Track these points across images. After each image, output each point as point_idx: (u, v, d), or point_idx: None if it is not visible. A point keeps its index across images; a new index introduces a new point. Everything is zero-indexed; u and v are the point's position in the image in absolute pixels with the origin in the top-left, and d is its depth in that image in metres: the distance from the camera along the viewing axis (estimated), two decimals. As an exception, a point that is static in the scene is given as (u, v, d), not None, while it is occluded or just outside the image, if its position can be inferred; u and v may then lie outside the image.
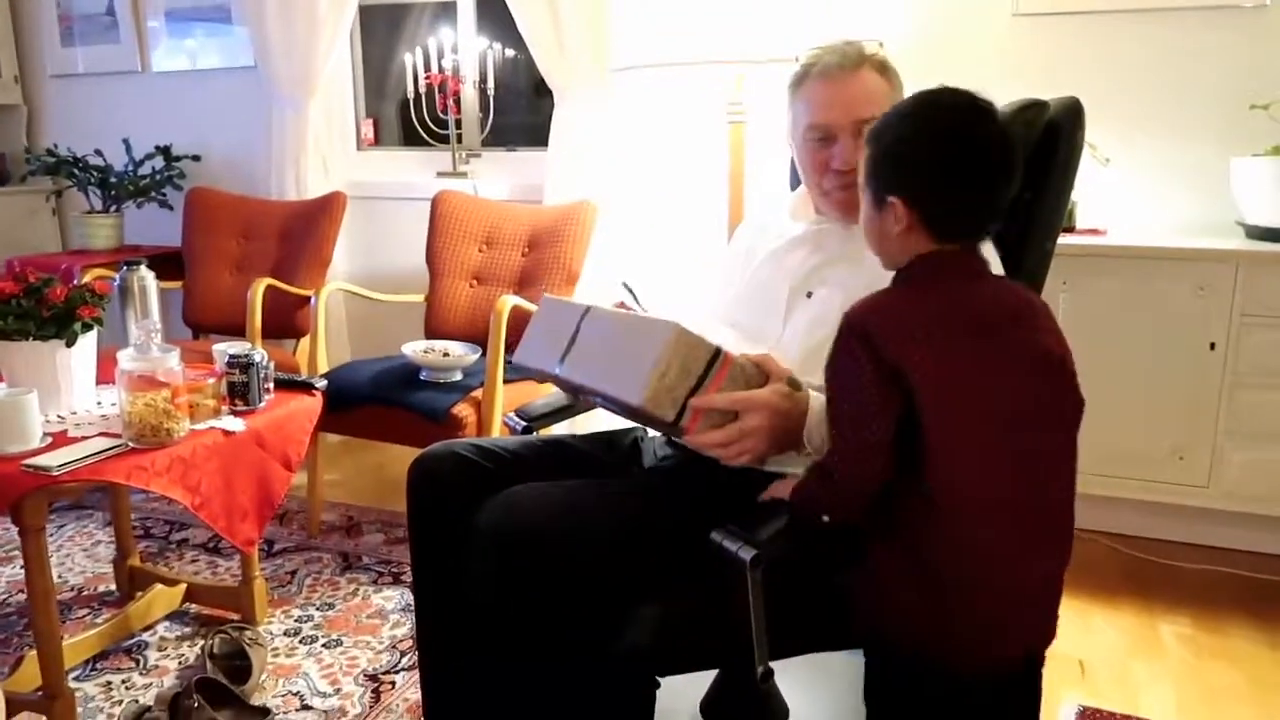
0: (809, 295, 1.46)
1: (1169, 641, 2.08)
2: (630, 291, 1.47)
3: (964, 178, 1.09)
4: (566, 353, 1.31)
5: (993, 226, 1.12)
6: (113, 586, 2.31)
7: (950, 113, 1.10)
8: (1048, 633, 1.09)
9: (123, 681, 1.93)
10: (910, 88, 2.43)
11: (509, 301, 2.48)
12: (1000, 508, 1.04)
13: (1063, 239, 2.00)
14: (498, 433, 2.36)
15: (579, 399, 1.52)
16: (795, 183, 1.79)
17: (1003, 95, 1.54)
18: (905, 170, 1.11)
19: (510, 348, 2.43)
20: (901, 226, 1.10)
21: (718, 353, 1.19)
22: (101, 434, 1.72)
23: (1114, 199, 2.48)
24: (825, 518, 1.14)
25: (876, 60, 1.43)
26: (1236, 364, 2.16)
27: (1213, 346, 2.17)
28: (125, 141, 3.59)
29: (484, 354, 2.50)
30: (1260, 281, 2.11)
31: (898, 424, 1.04)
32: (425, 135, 3.32)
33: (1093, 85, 2.45)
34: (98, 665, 1.99)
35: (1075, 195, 2.29)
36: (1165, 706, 1.83)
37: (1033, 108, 1.47)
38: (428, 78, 3.25)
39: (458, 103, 3.27)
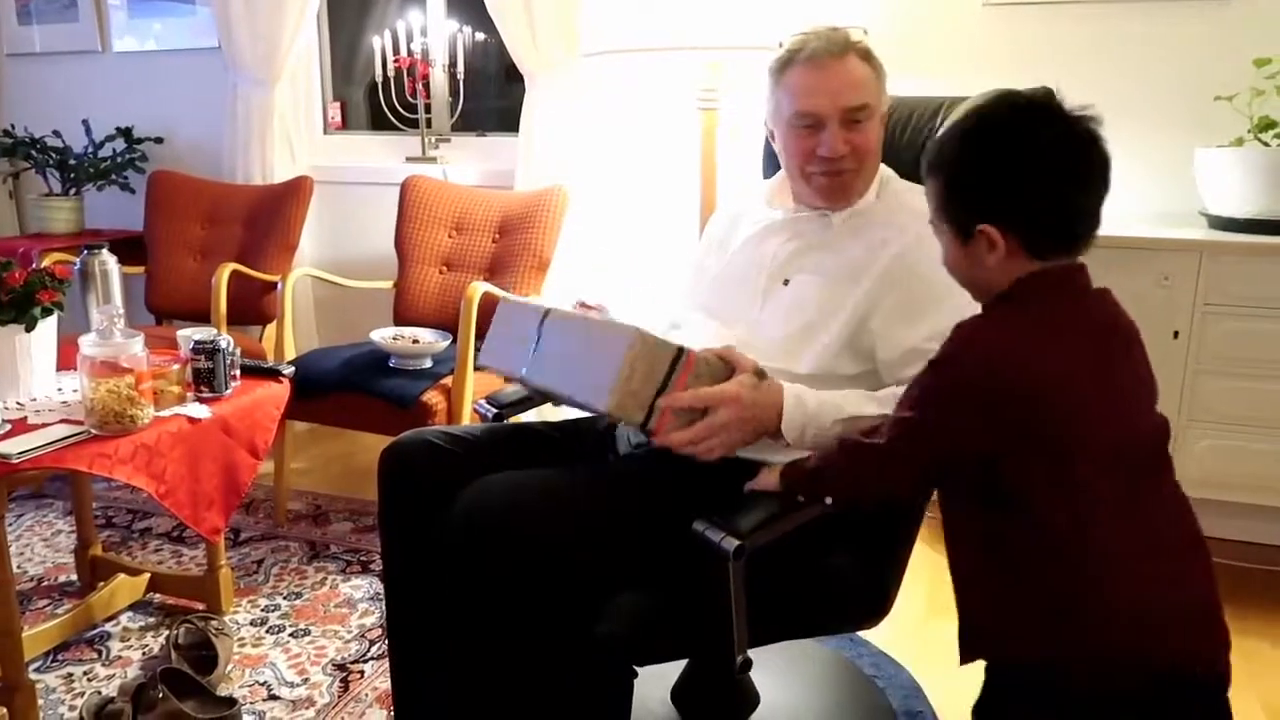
0: (786, 282, 1.46)
1: (1131, 625, 2.11)
2: (587, 307, 1.47)
3: (1059, 190, 1.01)
4: (531, 356, 1.31)
5: (1094, 235, 1.05)
6: (74, 577, 2.27)
7: (1027, 122, 1.03)
8: (1202, 653, 1.02)
9: (85, 673, 1.90)
10: (883, 77, 2.39)
11: (479, 288, 2.46)
12: (1133, 540, 0.99)
13: (1031, 228, 2.02)
14: (468, 420, 2.35)
15: (545, 399, 1.52)
16: (768, 170, 1.80)
17: (973, 85, 1.55)
18: (993, 193, 1.02)
19: (480, 335, 2.42)
20: (999, 254, 1.02)
21: (680, 351, 1.19)
22: (63, 421, 1.69)
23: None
24: (828, 499, 1.14)
25: (861, 48, 1.42)
26: (1199, 352, 2.19)
27: (1176, 335, 2.19)
28: (85, 123, 3.51)
29: (454, 341, 2.49)
30: (1223, 271, 2.14)
31: (980, 460, 0.99)
32: (394, 119, 3.28)
33: (1061, 75, 2.46)
34: (59, 656, 1.95)
35: (1043, 185, 2.32)
36: (1128, 689, 1.86)
37: (1005, 98, 1.48)
38: (396, 61, 3.21)
39: (427, 87, 3.23)
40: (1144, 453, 1.04)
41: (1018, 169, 1.01)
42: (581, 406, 1.25)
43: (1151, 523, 1.02)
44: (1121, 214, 2.49)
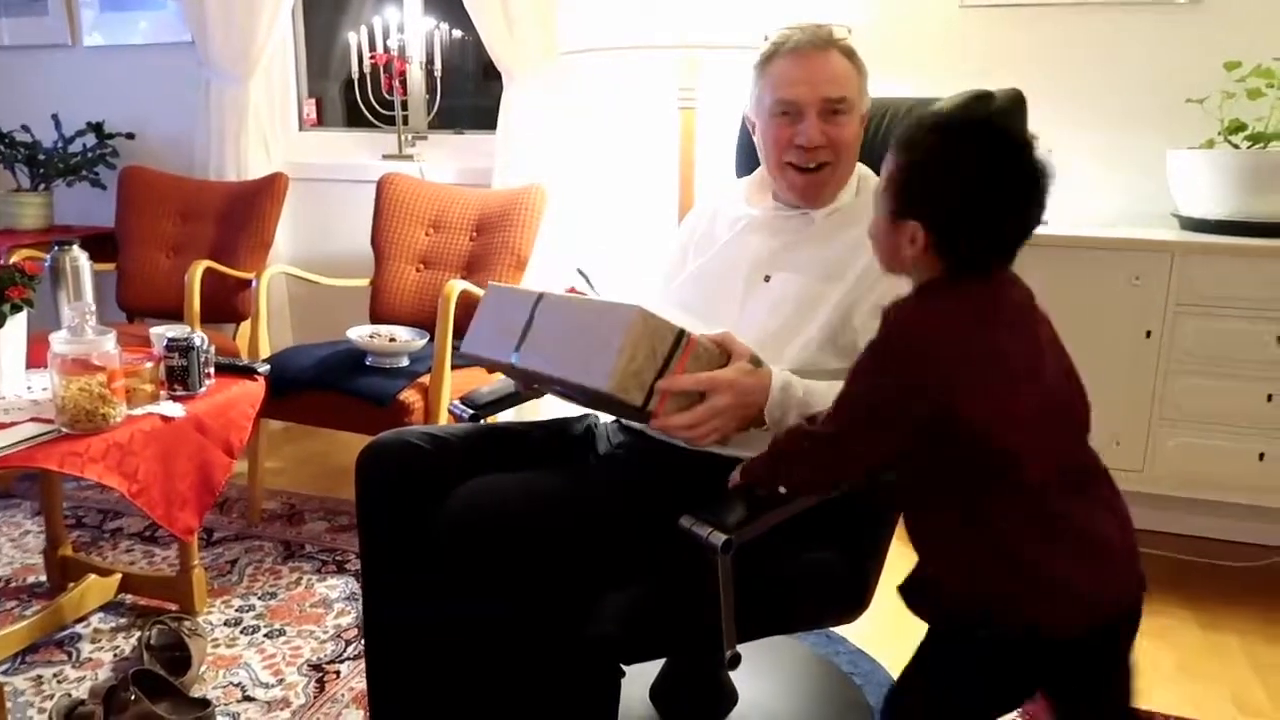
0: (766, 279, 1.47)
1: (1104, 621, 2.14)
2: (585, 277, 1.46)
3: (995, 212, 1.02)
4: (521, 341, 1.29)
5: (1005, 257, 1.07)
6: (43, 577, 2.24)
7: (997, 151, 1.03)
8: (1134, 588, 1.09)
9: (54, 675, 1.88)
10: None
11: (457, 286, 2.45)
12: (1061, 468, 1.04)
13: (1006, 228, 2.04)
14: (445, 419, 2.34)
15: (530, 388, 1.50)
16: (742, 168, 1.80)
17: (949, 86, 1.56)
18: (934, 200, 1.03)
19: (458, 333, 2.41)
20: (916, 249, 1.04)
21: (682, 334, 1.18)
22: (32, 419, 1.66)
23: (1055, 189, 2.52)
24: (782, 489, 1.14)
25: (844, 45, 1.44)
26: (1171, 351, 2.22)
27: (1148, 334, 2.22)
28: (54, 117, 3.46)
29: (431, 339, 2.47)
30: (1194, 271, 2.17)
31: (923, 438, 1.02)
32: (370, 116, 3.26)
33: (1035, 77, 2.50)
34: (27, 659, 1.92)
35: (1018, 185, 2.34)
36: (1100, 684, 1.89)
37: (979, 99, 1.49)
38: (373, 57, 3.18)
39: (403, 84, 3.22)
40: (1077, 422, 1.09)
41: (960, 184, 1.02)
42: (575, 389, 1.23)
43: (1096, 478, 1.09)
44: (1094, 215, 2.52)
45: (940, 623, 1.13)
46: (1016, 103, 1.50)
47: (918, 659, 1.16)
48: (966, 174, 1.01)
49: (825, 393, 1.26)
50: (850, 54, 1.45)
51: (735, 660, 1.18)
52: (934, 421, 0.99)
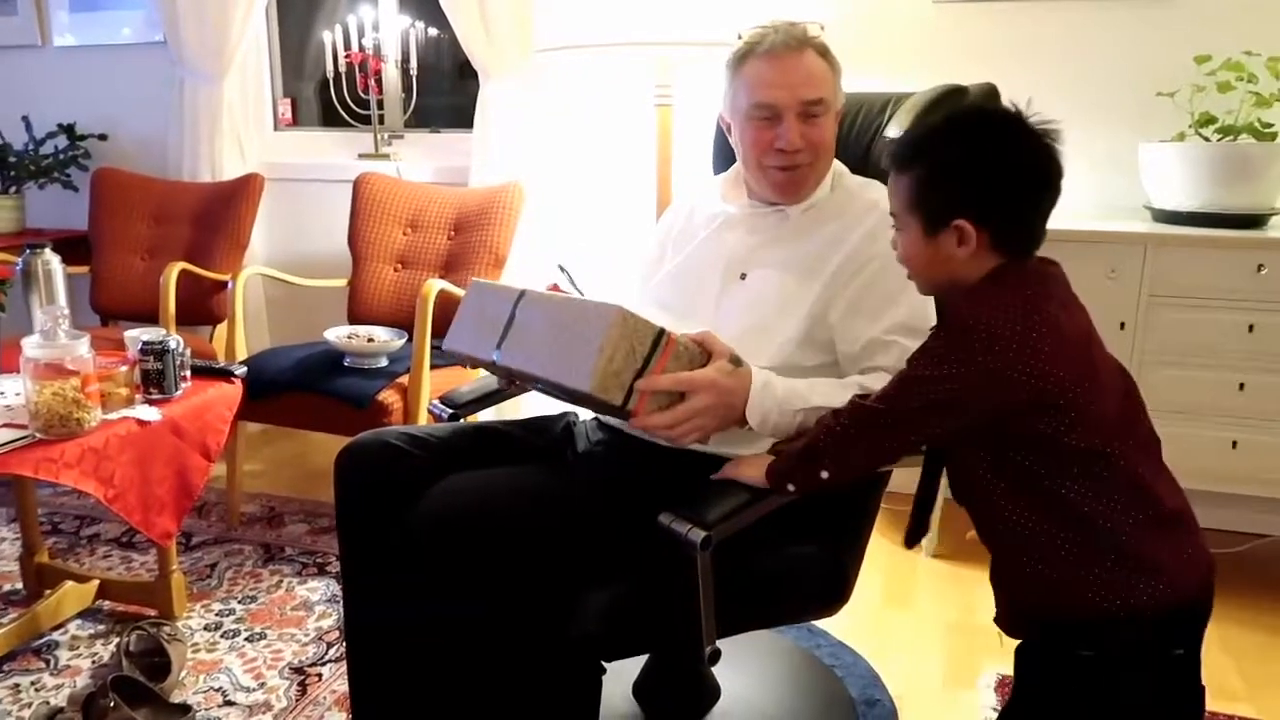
0: (743, 277, 1.47)
1: (1082, 611, 2.16)
2: (566, 274, 1.45)
3: (1031, 193, 1.06)
4: (503, 338, 1.29)
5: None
6: (19, 585, 2.22)
7: (1009, 128, 1.07)
8: (1210, 562, 1.08)
9: (32, 683, 1.86)
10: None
11: (435, 285, 2.44)
12: (1141, 440, 1.08)
13: (982, 222, 2.05)
14: (424, 420, 2.33)
15: (512, 384, 1.50)
16: (719, 165, 1.80)
17: (923, 81, 1.58)
18: (975, 187, 1.05)
19: (437, 333, 2.40)
20: (969, 247, 1.05)
21: (661, 333, 1.18)
22: (6, 425, 1.64)
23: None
24: (824, 474, 1.13)
25: (818, 44, 1.44)
26: (1145, 343, 2.24)
27: (1123, 326, 2.24)
28: (25, 119, 3.42)
29: (409, 339, 2.46)
30: (1166, 263, 2.20)
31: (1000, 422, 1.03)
32: (346, 116, 3.24)
33: (1008, 71, 2.51)
34: (4, 667, 1.90)
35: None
36: (1079, 673, 1.91)
37: (952, 93, 1.51)
38: (348, 56, 3.17)
39: (379, 83, 3.20)
40: (1135, 405, 1.11)
41: (1001, 168, 1.05)
42: (556, 388, 1.23)
43: (1160, 450, 1.11)
44: (1069, 208, 2.54)
45: (1046, 634, 1.10)
46: (990, 98, 1.51)
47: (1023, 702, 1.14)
48: (1012, 160, 1.05)
49: (805, 392, 1.27)
50: (825, 52, 1.45)
51: (715, 656, 1.19)
52: (1031, 406, 1.00)
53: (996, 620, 1.15)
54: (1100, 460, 1.03)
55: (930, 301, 1.24)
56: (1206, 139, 2.29)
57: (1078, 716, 1.07)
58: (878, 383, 1.22)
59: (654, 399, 1.19)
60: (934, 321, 1.21)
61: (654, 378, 1.18)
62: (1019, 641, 1.14)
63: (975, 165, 1.05)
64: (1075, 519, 1.03)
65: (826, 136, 1.44)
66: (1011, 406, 1.02)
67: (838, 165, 1.52)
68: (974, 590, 2.24)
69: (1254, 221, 2.22)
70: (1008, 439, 1.05)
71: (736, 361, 1.25)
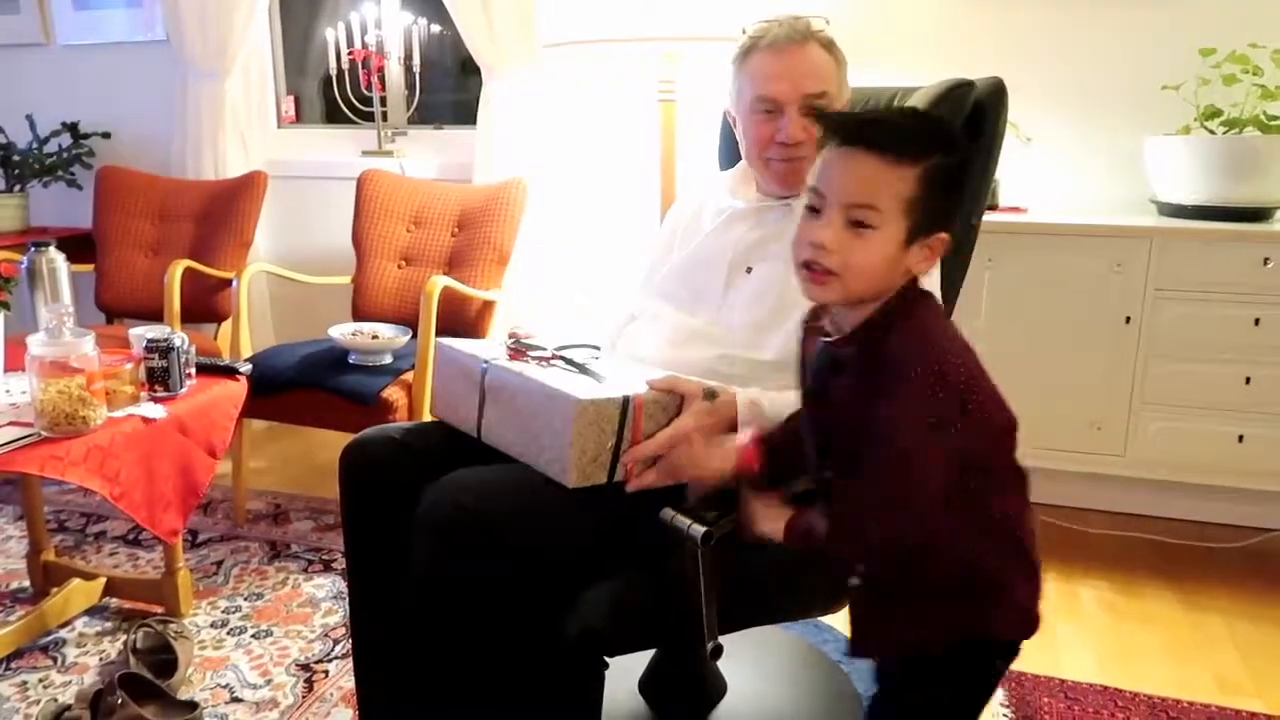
0: (749, 270, 1.47)
1: (1088, 605, 2.16)
2: (517, 340, 1.41)
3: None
4: (480, 420, 1.33)
5: None
6: (26, 583, 2.22)
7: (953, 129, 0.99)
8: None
9: (40, 680, 1.86)
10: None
11: (439, 282, 2.44)
12: (1017, 471, 1.05)
13: (986, 217, 2.05)
14: (428, 416, 2.33)
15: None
16: (725, 161, 1.80)
17: (930, 75, 1.57)
18: (957, 199, 0.94)
19: (441, 329, 2.40)
20: (932, 263, 0.95)
21: (626, 402, 1.19)
22: (11, 423, 1.64)
23: (1035, 177, 2.54)
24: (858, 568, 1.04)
25: (823, 37, 1.44)
26: (1150, 337, 2.24)
27: (1128, 320, 2.24)
28: (29, 118, 3.42)
29: (414, 336, 2.46)
30: (1172, 257, 2.19)
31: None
32: (349, 113, 3.24)
33: (1014, 66, 2.50)
34: (12, 665, 1.91)
35: (998, 174, 2.35)
36: (1085, 667, 1.91)
37: (960, 87, 1.50)
38: (351, 53, 3.16)
39: (382, 79, 3.20)
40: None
41: (967, 176, 1.00)
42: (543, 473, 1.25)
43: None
44: (1074, 202, 2.54)
45: (905, 652, 1.07)
46: (997, 92, 1.51)
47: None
48: (971, 167, 1.00)
49: (792, 402, 1.27)
50: (829, 45, 1.44)
51: (718, 651, 1.18)
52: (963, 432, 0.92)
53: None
54: (987, 487, 0.99)
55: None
56: (1212, 132, 2.28)
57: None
58: None
59: (642, 463, 1.21)
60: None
61: (634, 450, 1.20)
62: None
63: (967, 172, 0.97)
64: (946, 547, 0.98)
65: None
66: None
67: None
68: (980, 585, 2.23)
69: (1260, 215, 2.22)
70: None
71: (711, 395, 1.25)
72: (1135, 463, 2.31)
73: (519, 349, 1.36)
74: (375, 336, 2.47)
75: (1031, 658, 1.91)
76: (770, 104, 1.42)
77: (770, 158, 1.44)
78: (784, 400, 1.26)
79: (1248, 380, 2.19)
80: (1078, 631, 2.04)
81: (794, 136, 1.40)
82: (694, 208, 1.64)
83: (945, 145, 0.92)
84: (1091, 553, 2.40)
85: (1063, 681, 1.84)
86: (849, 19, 2.62)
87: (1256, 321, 2.16)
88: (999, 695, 1.79)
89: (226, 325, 2.95)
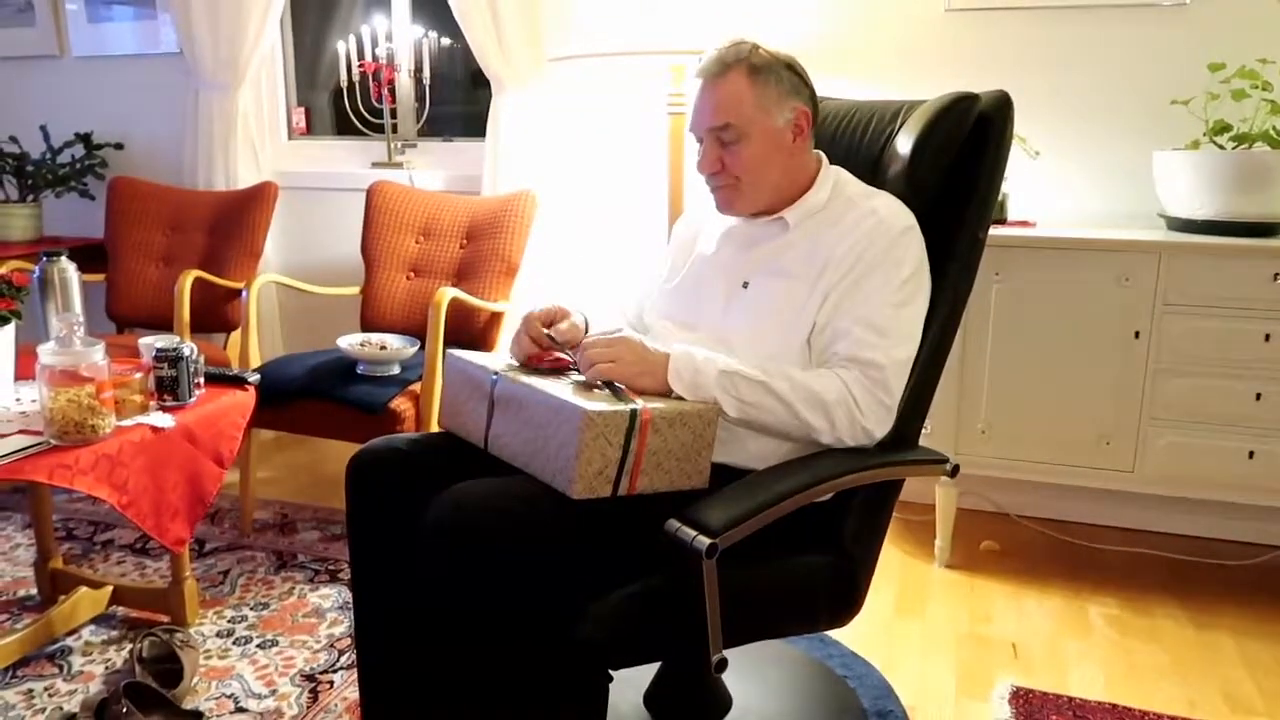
0: (745, 285, 1.48)
1: (1097, 622, 2.14)
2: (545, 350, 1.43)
3: None
4: (487, 432, 1.35)
5: None
6: (34, 590, 2.23)
7: None
8: None
9: (46, 688, 1.87)
10: (846, 82, 2.47)
11: (448, 293, 2.45)
12: None
13: (994, 230, 2.04)
14: (436, 427, 2.33)
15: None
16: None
17: (935, 89, 1.57)
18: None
19: (449, 341, 2.41)
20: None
21: (633, 415, 1.20)
22: (21, 431, 1.65)
23: (1043, 191, 2.54)
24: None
25: (751, 62, 1.43)
26: (1159, 351, 2.23)
27: (1137, 335, 2.23)
28: (43, 128, 3.45)
29: (422, 347, 2.47)
30: (1181, 271, 2.18)
31: None
32: (359, 125, 3.26)
33: (1022, 80, 2.51)
34: (19, 672, 1.91)
35: (1006, 187, 2.35)
36: (1094, 684, 1.89)
37: (964, 100, 1.50)
38: (361, 66, 3.19)
39: (392, 92, 3.22)
40: None
41: None
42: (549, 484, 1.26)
43: None
44: (1082, 216, 2.54)
45: None
46: (1003, 106, 1.51)
47: None
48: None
49: (728, 359, 1.34)
50: (756, 70, 1.42)
51: (722, 665, 1.18)
52: None
53: None
54: None
55: (894, 302, 1.36)
56: (1221, 147, 2.28)
57: None
58: (815, 381, 1.31)
59: (645, 476, 1.23)
60: (895, 321, 1.36)
61: (638, 459, 1.23)
62: None
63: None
64: None
65: (745, 159, 1.44)
66: None
67: (839, 173, 1.53)
68: (987, 601, 2.22)
69: (1269, 230, 2.21)
70: None
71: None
72: (1144, 479, 2.30)
73: (549, 344, 1.40)
74: (383, 347, 2.48)
75: (1040, 675, 1.90)
76: (694, 134, 1.48)
77: (707, 185, 1.50)
78: (713, 357, 1.33)
79: (1258, 396, 2.17)
80: (1087, 649, 2.03)
81: (702, 167, 1.46)
82: (694, 229, 1.66)
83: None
84: (1100, 569, 2.39)
85: (1071, 699, 1.82)
86: (855, 33, 2.63)
87: (1267, 337, 2.15)
88: (1003, 711, 1.78)
89: (236, 335, 2.96)
